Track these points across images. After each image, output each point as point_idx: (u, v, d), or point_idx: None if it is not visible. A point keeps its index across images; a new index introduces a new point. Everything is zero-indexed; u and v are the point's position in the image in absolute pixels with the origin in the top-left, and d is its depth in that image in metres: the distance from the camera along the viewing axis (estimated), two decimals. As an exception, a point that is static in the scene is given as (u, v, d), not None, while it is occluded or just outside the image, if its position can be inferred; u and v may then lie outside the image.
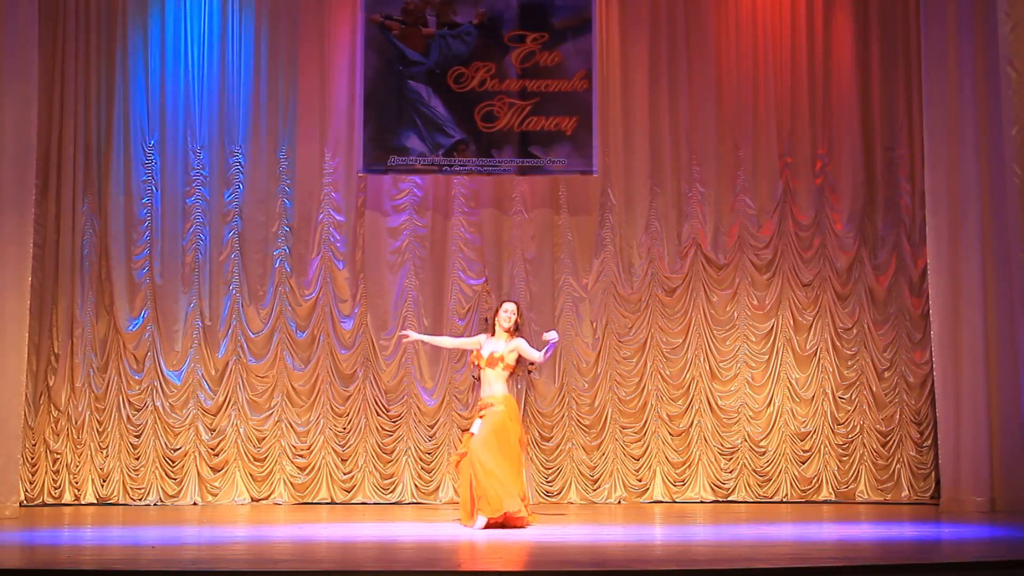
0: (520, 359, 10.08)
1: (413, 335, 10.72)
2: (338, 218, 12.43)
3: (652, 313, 12.45)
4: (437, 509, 11.80)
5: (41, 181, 11.90)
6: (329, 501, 12.19)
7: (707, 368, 12.42)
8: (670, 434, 12.37)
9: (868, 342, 12.37)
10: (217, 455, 12.21)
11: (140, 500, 12.09)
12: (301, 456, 12.24)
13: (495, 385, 9.98)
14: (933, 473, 12.09)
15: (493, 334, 10.10)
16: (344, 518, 10.91)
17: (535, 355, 10.06)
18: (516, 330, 10.08)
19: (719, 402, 12.39)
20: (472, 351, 10.24)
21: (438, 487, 12.24)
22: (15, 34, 11.13)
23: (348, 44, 12.42)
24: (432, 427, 12.32)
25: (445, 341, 10.96)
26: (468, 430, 10.08)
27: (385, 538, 9.17)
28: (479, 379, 10.28)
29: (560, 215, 12.52)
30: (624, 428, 12.37)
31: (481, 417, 9.93)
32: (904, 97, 12.43)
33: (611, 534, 9.58)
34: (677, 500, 12.26)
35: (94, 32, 12.28)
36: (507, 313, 10.06)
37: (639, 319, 12.45)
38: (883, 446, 12.27)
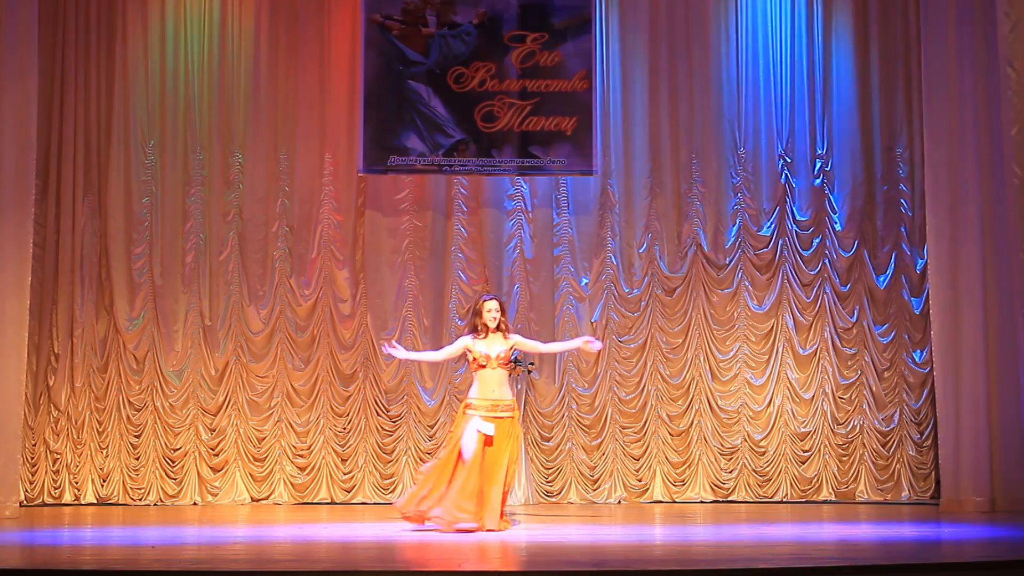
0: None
1: (400, 352, 9.92)
2: (338, 218, 12.43)
3: (652, 313, 12.45)
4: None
5: (41, 181, 11.90)
6: (329, 501, 12.19)
7: (707, 368, 12.41)
8: (670, 434, 12.36)
9: (868, 342, 12.36)
10: (217, 455, 12.21)
11: (140, 500, 12.09)
12: (301, 456, 12.24)
13: (504, 387, 9.59)
14: (933, 473, 12.08)
15: (480, 335, 9.64)
16: (344, 518, 10.91)
17: (538, 346, 10.02)
18: (500, 327, 9.66)
19: (719, 402, 12.38)
20: (471, 353, 9.63)
21: (438, 487, 12.24)
22: (15, 34, 11.13)
23: (348, 44, 12.41)
24: (432, 427, 12.31)
25: (433, 355, 10.38)
26: (474, 428, 9.54)
27: (385, 538, 9.16)
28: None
29: (560, 215, 12.52)
30: (624, 428, 12.36)
31: (490, 420, 9.46)
32: (904, 97, 12.41)
33: (611, 534, 9.57)
34: (677, 500, 12.26)
35: (94, 32, 12.27)
36: (491, 313, 9.63)
37: (639, 319, 12.46)
38: (883, 446, 12.26)
